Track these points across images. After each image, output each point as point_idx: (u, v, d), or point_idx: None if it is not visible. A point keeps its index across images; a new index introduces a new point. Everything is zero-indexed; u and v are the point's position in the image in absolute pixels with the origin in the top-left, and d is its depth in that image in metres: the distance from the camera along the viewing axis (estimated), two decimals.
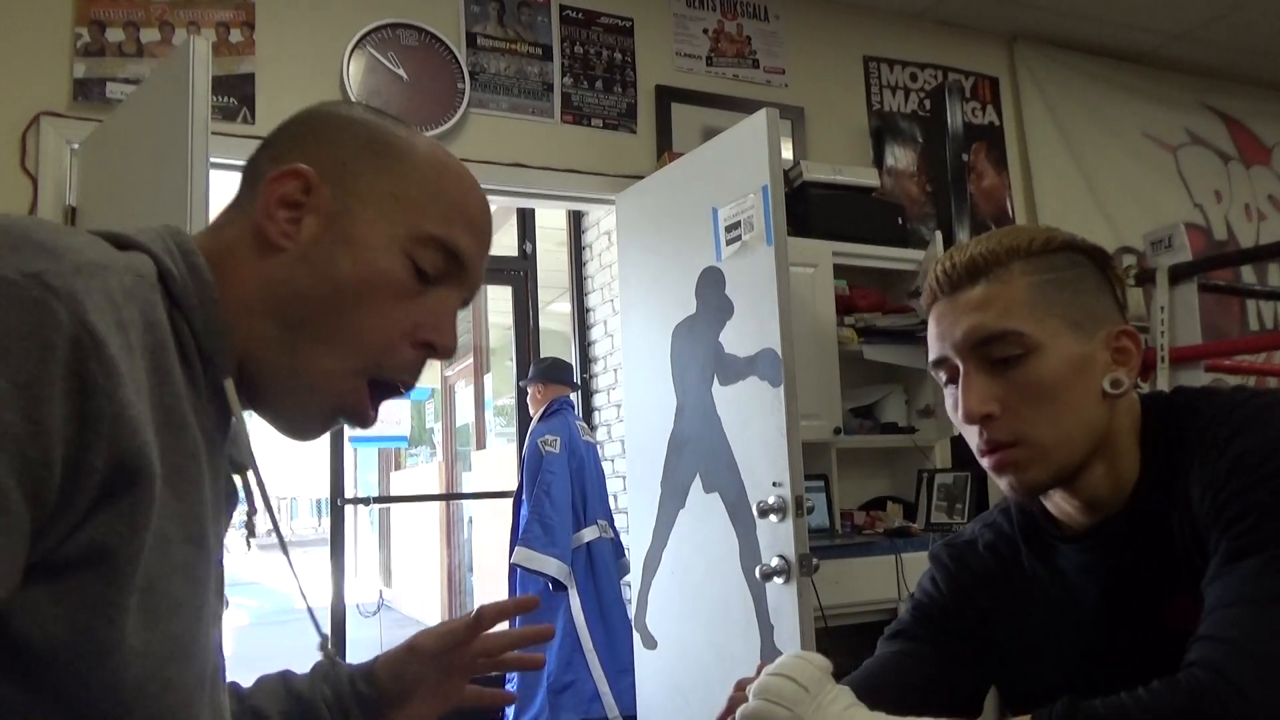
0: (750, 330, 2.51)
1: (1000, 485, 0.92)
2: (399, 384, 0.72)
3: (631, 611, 3.08)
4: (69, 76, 2.54)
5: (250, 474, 0.76)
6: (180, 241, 0.68)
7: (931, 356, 0.95)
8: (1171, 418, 0.91)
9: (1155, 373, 2.87)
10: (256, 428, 0.75)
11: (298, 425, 0.72)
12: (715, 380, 2.65)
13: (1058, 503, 0.95)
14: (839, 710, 0.80)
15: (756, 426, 2.48)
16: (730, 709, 0.86)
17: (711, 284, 2.68)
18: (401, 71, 2.90)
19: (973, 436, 0.91)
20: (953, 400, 0.93)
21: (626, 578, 3.53)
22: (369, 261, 0.70)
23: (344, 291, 0.69)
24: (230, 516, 0.76)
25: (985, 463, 0.91)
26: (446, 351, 0.73)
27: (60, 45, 2.55)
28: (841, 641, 2.35)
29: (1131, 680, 0.88)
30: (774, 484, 2.39)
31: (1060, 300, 0.89)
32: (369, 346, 0.70)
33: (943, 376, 0.94)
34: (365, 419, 0.73)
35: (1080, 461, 0.89)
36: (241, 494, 0.76)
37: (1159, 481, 0.89)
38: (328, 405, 0.71)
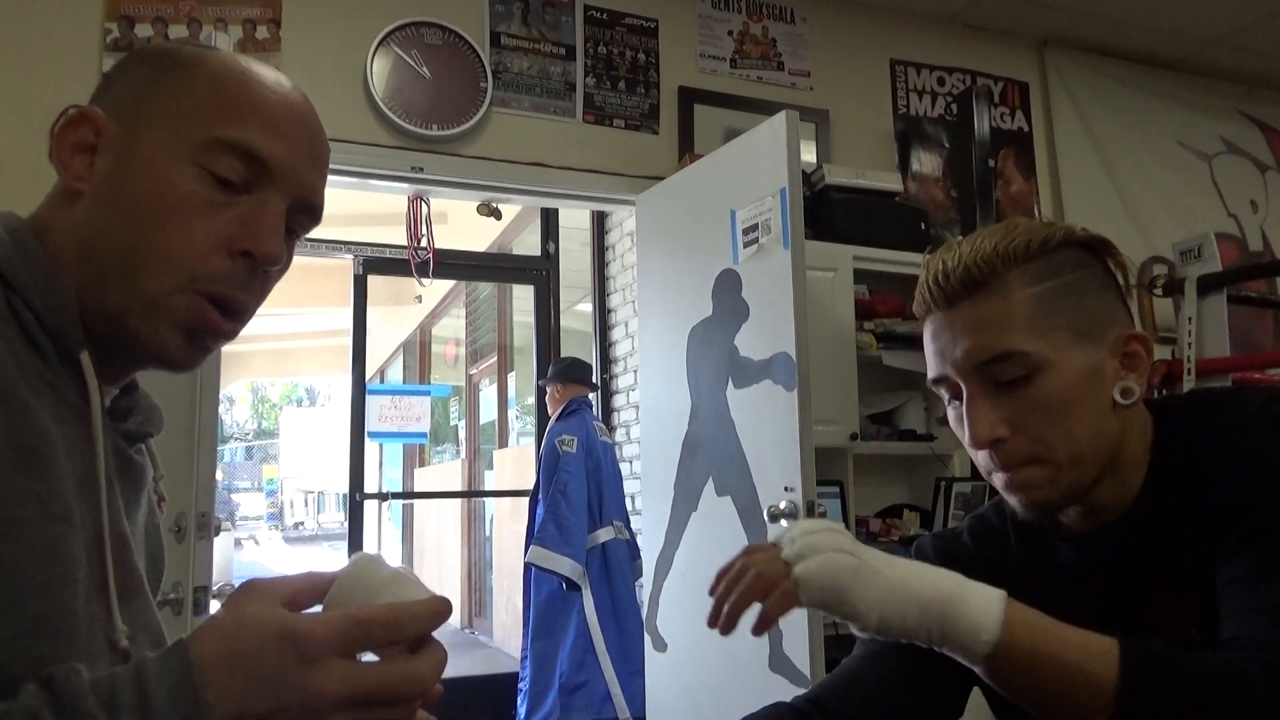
0: (765, 333, 2.50)
1: (1011, 502, 0.89)
2: (225, 297, 0.70)
3: (643, 613, 3.07)
4: (99, 71, 2.58)
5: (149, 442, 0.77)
6: (8, 223, 0.68)
7: (931, 374, 0.91)
8: (1186, 423, 0.87)
9: (1181, 384, 2.82)
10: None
11: (162, 355, 0.71)
12: (730, 383, 2.63)
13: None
14: (880, 552, 0.79)
15: (769, 430, 2.46)
16: (763, 586, 0.80)
17: (728, 286, 2.67)
18: (425, 70, 2.91)
19: (981, 456, 0.88)
20: (957, 416, 0.90)
21: (641, 579, 3.52)
22: (156, 178, 0.68)
23: (140, 215, 0.68)
24: (138, 486, 0.76)
25: (996, 480, 0.88)
26: (267, 257, 0.70)
27: (90, 40, 2.60)
28: (852, 649, 2.33)
29: None
30: (785, 489, 2.38)
31: (1064, 309, 0.84)
32: (181, 261, 0.68)
33: (945, 394, 0.91)
34: (217, 331, 0.71)
35: (1094, 478, 0.85)
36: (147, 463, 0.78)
37: (1167, 486, 0.86)
38: (171, 327, 0.69)
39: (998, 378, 0.84)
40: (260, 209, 0.70)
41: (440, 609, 0.57)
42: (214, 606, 2.11)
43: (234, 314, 0.72)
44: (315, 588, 0.58)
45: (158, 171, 0.69)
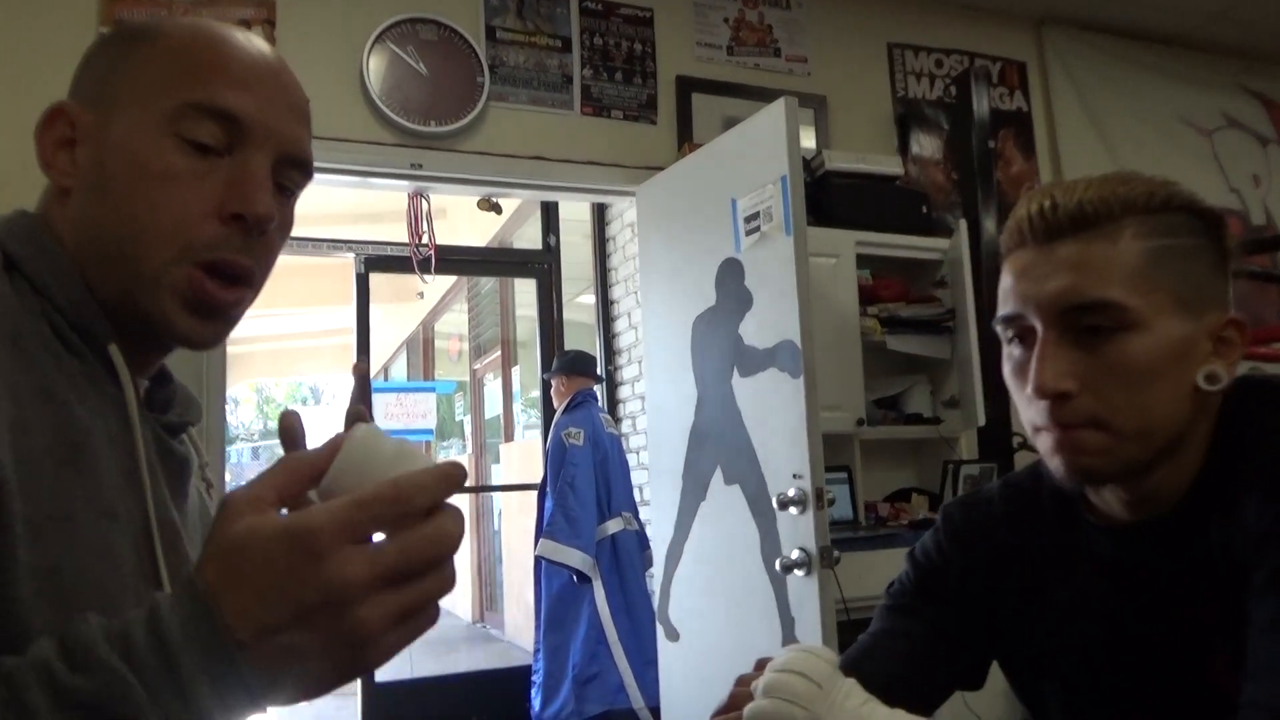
0: (770, 321, 2.50)
1: (1051, 465, 0.82)
2: (223, 263, 0.69)
3: (655, 604, 3.08)
4: None
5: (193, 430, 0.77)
6: (24, 223, 0.69)
7: (1001, 310, 0.83)
8: (1249, 412, 0.81)
9: None
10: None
11: (173, 333, 0.69)
12: (735, 372, 2.63)
13: (1104, 493, 0.86)
14: (854, 706, 0.75)
15: (776, 418, 2.46)
16: (732, 705, 0.81)
17: (731, 275, 2.66)
18: (421, 66, 2.91)
19: (1034, 409, 0.81)
20: (1016, 364, 0.83)
21: (651, 569, 3.53)
22: (134, 156, 0.68)
23: (125, 195, 0.68)
24: (183, 476, 0.75)
25: (1045, 439, 0.81)
26: (258, 218, 0.69)
27: (86, 45, 2.58)
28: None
29: (1149, 684, 0.84)
30: (794, 476, 2.38)
31: (1172, 272, 0.78)
32: (173, 234, 0.67)
33: (1009, 333, 0.83)
34: (219, 301, 0.70)
35: (1151, 458, 0.79)
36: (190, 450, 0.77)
37: (1220, 485, 0.80)
38: (174, 302, 0.68)
39: (1083, 325, 0.77)
40: (244, 169, 0.69)
41: (451, 472, 0.51)
42: None
43: (238, 281, 0.71)
44: (299, 473, 0.52)
45: (135, 149, 0.68)
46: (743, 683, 0.83)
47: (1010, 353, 0.84)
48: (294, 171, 0.74)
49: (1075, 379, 0.77)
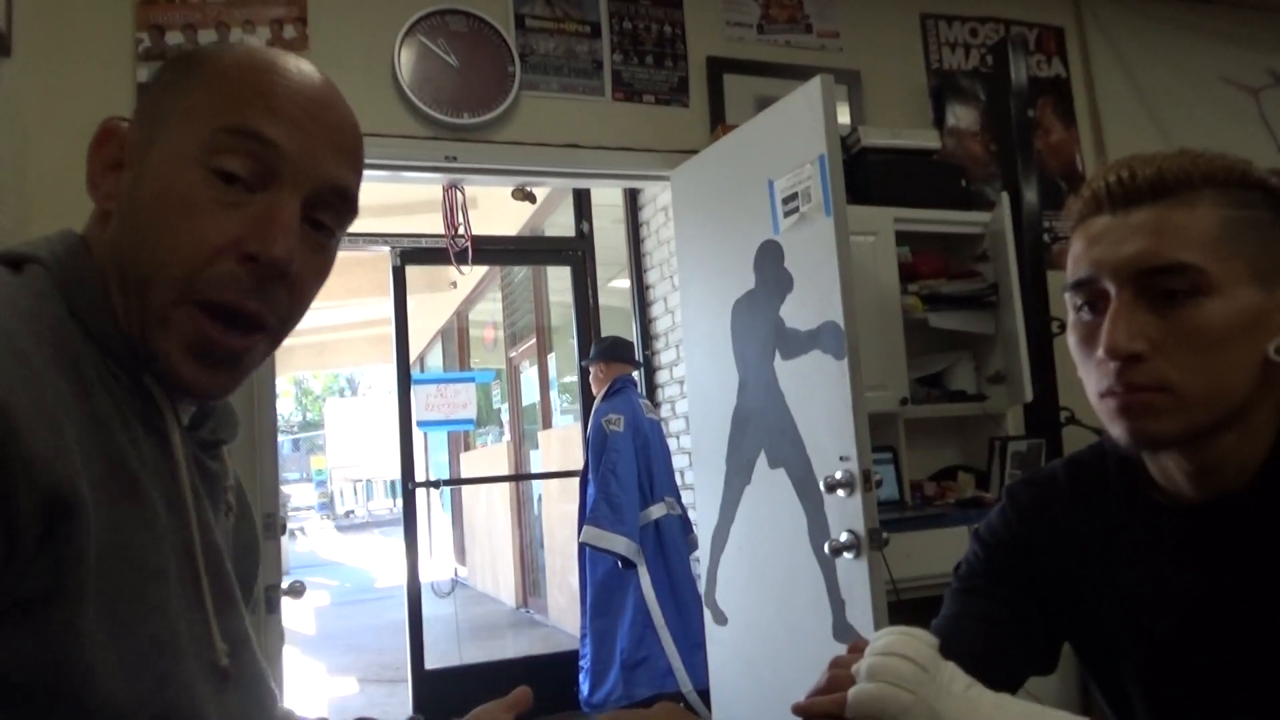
0: (811, 303, 2.47)
1: (1114, 429, 0.81)
2: (230, 305, 0.64)
3: (701, 587, 3.08)
4: (132, 81, 2.61)
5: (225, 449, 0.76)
6: (68, 245, 0.66)
7: (1073, 276, 0.83)
8: None
9: None
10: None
11: (182, 382, 0.65)
12: (777, 355, 2.62)
13: (1165, 465, 0.85)
14: (960, 690, 0.74)
15: (820, 401, 2.44)
16: (831, 687, 0.78)
17: (770, 257, 2.64)
18: (452, 58, 2.90)
19: (1100, 374, 0.81)
20: (1085, 330, 0.83)
21: (695, 553, 3.53)
22: (164, 183, 0.64)
23: (148, 224, 0.64)
24: (217, 495, 0.75)
25: (1108, 403, 0.81)
26: (273, 260, 0.64)
27: (123, 51, 2.62)
28: (916, 614, 2.32)
29: (1231, 674, 0.82)
30: (841, 458, 2.36)
31: (1250, 242, 0.78)
32: (181, 269, 0.63)
33: (1079, 300, 0.83)
34: (221, 347, 0.65)
35: (1215, 424, 0.79)
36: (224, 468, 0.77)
37: None
38: (178, 345, 0.64)
39: (1159, 288, 0.78)
40: (269, 206, 0.65)
41: None
42: (284, 603, 2.15)
43: (245, 327, 0.66)
44: None
45: (166, 176, 0.65)
46: (839, 665, 0.81)
47: (1079, 320, 0.84)
48: (332, 209, 0.70)
49: (1148, 341, 0.78)
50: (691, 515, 3.62)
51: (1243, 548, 0.82)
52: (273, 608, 2.07)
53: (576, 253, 4.41)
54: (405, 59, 2.85)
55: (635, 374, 3.92)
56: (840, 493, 2.36)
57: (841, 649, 0.84)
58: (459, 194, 3.33)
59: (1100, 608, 0.92)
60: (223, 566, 0.71)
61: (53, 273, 0.64)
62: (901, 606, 2.38)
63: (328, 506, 24.82)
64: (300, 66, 0.70)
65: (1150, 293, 0.79)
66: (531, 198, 3.37)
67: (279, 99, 0.67)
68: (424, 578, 4.29)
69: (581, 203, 4.42)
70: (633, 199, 4.41)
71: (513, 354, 8.10)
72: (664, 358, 4.21)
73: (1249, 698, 0.82)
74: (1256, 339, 0.78)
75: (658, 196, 4.12)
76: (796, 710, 0.80)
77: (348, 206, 0.72)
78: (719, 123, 3.14)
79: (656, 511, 3.64)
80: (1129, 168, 0.81)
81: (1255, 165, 0.83)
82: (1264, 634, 0.80)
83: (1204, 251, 0.77)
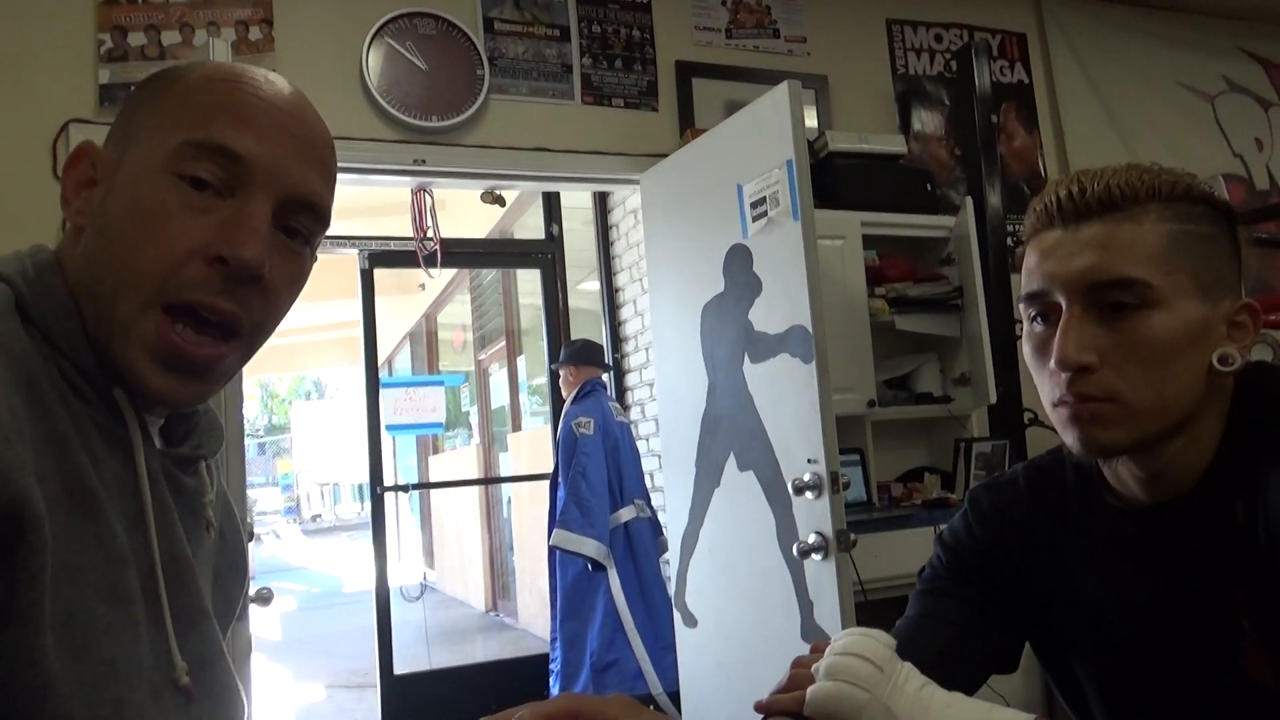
0: (780, 307, 2.49)
1: (1066, 438, 0.85)
2: (200, 305, 0.65)
3: (671, 590, 3.09)
4: (94, 83, 2.57)
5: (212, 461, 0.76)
6: (38, 261, 0.67)
7: (1026, 289, 0.87)
8: (1265, 394, 0.84)
9: None
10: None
11: (151, 392, 0.66)
12: (746, 358, 2.63)
13: (1119, 471, 0.88)
14: (914, 689, 0.76)
15: (789, 404, 2.46)
16: (791, 685, 0.81)
17: (739, 261, 2.66)
18: (420, 61, 2.89)
19: (1053, 384, 0.84)
20: (1038, 341, 0.85)
21: (665, 555, 3.55)
22: (132, 195, 0.66)
23: (117, 235, 0.65)
24: (196, 510, 0.75)
25: (1061, 412, 0.84)
26: (242, 262, 0.65)
27: (84, 53, 2.58)
28: (883, 615, 2.35)
29: (1181, 670, 0.84)
30: (809, 461, 2.38)
31: (1193, 256, 0.81)
32: (150, 274, 0.64)
33: (1032, 311, 0.86)
34: (188, 353, 0.65)
35: (1163, 431, 0.82)
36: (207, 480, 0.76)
37: (1237, 466, 0.82)
38: (144, 354, 0.65)
39: (1108, 301, 0.81)
40: (238, 211, 0.66)
41: None
42: (252, 610, 2.13)
43: (216, 330, 0.67)
44: None
45: (134, 188, 0.66)
46: (800, 664, 0.83)
47: (1032, 330, 0.87)
48: (304, 215, 0.71)
49: (1097, 353, 0.80)
50: (661, 518, 3.63)
51: (1192, 548, 0.84)
52: (240, 615, 2.05)
53: (546, 255, 4.41)
54: (373, 62, 2.84)
55: (605, 377, 3.93)
56: (809, 495, 2.38)
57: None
58: (428, 197, 3.32)
59: (1059, 609, 0.94)
60: (191, 583, 0.70)
61: (19, 290, 0.64)
62: (869, 607, 2.41)
63: (294, 511, 24.55)
64: (269, 77, 0.71)
65: (1099, 306, 0.81)
66: (501, 201, 3.36)
67: (246, 110, 0.68)
68: (393, 582, 4.26)
69: (551, 205, 4.42)
70: (602, 202, 4.42)
71: (482, 356, 8.07)
72: (634, 360, 4.22)
73: (1202, 697, 0.84)
74: (1201, 349, 0.81)
75: (627, 200, 4.12)
76: (758, 708, 0.82)
77: (317, 216, 0.72)
78: (688, 127, 3.15)
79: (626, 514, 3.65)
80: (1079, 182, 0.84)
81: (1198, 179, 0.85)
82: (1215, 632, 0.82)
83: (1150, 266, 0.80)
